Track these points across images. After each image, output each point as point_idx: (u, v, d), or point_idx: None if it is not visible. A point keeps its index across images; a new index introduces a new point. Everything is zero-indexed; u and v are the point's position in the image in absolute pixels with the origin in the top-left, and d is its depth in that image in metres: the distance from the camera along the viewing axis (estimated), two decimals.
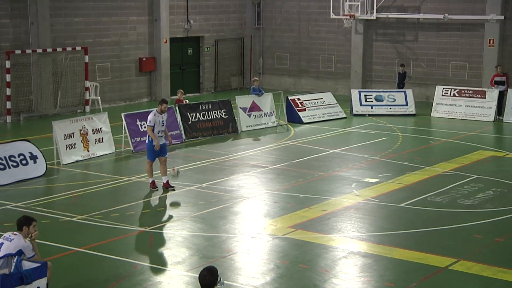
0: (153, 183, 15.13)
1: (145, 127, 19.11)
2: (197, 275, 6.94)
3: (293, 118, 23.30)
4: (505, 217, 13.32)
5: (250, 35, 31.57)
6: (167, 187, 15.11)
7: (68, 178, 16.36)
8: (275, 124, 22.72)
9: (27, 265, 8.92)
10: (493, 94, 23.75)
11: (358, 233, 12.55)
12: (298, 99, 23.93)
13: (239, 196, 14.84)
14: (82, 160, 17.76)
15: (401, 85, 26.03)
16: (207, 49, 30.17)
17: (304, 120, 23.26)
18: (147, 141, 15.28)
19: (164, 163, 15.18)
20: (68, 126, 17.82)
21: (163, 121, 15.04)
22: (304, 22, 30.53)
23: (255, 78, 24.36)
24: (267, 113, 22.69)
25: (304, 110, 23.61)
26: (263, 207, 14.14)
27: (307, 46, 30.58)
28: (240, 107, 22.09)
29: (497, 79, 24.09)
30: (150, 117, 14.98)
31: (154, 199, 14.67)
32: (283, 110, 23.32)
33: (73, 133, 17.77)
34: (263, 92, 22.95)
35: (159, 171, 15.31)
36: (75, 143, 17.75)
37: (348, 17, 27.77)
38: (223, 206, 14.09)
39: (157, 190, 15.05)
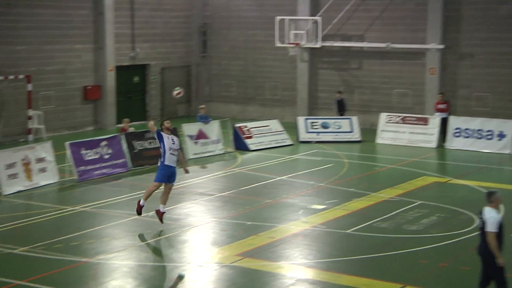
0: (140, 205, 14.22)
1: (89, 156, 18.85)
2: None
3: (240, 145, 23.33)
4: (449, 242, 13.53)
5: (196, 63, 31.62)
6: (161, 217, 14.26)
7: (10, 208, 15.94)
8: (222, 152, 22.69)
9: None
10: (435, 121, 24.30)
11: (306, 260, 12.56)
12: (245, 126, 24.00)
13: (186, 224, 14.70)
14: (25, 190, 17.35)
15: (341, 112, 26.38)
16: (154, 77, 30.06)
17: (251, 147, 23.32)
18: (159, 163, 14.20)
19: (169, 191, 14.24)
20: (10, 155, 17.42)
21: (173, 138, 14.15)
22: (251, 50, 30.77)
23: (201, 105, 24.36)
24: (214, 140, 22.66)
25: (251, 137, 23.68)
26: (211, 235, 14.04)
27: (254, 74, 30.79)
28: (187, 135, 22.02)
29: (439, 106, 24.69)
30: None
31: (99, 229, 14.38)
32: (230, 137, 23.33)
33: (15, 162, 17.38)
34: (210, 119, 22.94)
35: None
36: (17, 173, 17.35)
37: (294, 45, 28.11)
38: (170, 235, 13.93)
39: (140, 215, 14.39)
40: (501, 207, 10.17)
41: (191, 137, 22.06)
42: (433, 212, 15.65)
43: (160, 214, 14.28)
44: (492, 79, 26.14)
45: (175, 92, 14.24)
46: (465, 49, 26.50)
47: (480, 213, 10.01)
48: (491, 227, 9.71)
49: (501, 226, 9.82)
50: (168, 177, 14.16)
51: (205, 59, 31.73)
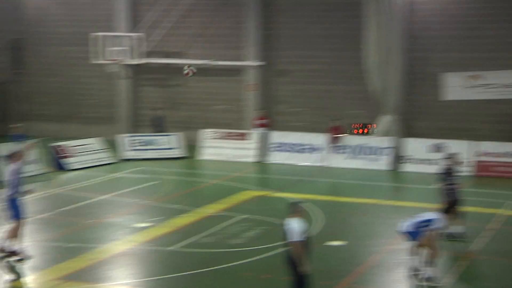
0: (16, 252, 13.14)
1: None
2: None
3: (60, 165, 22.52)
4: (271, 254, 13.91)
5: (10, 80, 30.09)
6: (12, 255, 13.23)
7: None
8: (40, 172, 21.74)
9: None
10: (255, 136, 25.04)
11: (131, 280, 12.32)
12: (65, 145, 23.26)
13: (1, 249, 13.84)
14: None
15: (159, 128, 26.38)
16: None
17: (71, 166, 22.60)
18: (11, 197, 13.32)
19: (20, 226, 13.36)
20: None
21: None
22: (68, 66, 29.88)
23: (16, 124, 23.25)
24: (32, 160, 21.63)
25: (71, 156, 22.96)
26: (29, 260, 13.33)
27: (73, 91, 29.90)
28: (1, 156, 20.82)
29: (259, 121, 25.49)
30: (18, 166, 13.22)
31: None
32: (48, 157, 22.43)
33: None
34: (27, 139, 21.90)
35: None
36: None
37: (113, 62, 27.68)
38: None
39: (24, 259, 13.17)
40: (305, 216, 10.55)
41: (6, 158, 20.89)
42: (255, 225, 16.05)
43: (13, 254, 13.29)
44: (307, 95, 27.46)
45: (184, 72, 13.28)
46: (282, 66, 27.63)
47: (284, 224, 10.30)
48: (294, 237, 10.02)
49: (306, 235, 10.13)
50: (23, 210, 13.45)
51: (20, 76, 30.27)
